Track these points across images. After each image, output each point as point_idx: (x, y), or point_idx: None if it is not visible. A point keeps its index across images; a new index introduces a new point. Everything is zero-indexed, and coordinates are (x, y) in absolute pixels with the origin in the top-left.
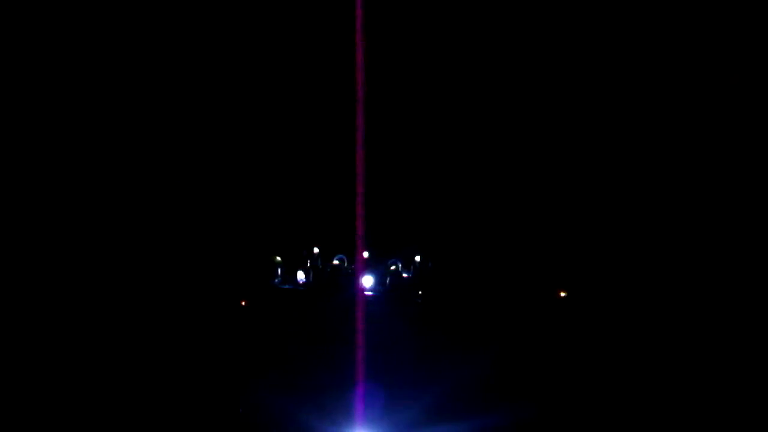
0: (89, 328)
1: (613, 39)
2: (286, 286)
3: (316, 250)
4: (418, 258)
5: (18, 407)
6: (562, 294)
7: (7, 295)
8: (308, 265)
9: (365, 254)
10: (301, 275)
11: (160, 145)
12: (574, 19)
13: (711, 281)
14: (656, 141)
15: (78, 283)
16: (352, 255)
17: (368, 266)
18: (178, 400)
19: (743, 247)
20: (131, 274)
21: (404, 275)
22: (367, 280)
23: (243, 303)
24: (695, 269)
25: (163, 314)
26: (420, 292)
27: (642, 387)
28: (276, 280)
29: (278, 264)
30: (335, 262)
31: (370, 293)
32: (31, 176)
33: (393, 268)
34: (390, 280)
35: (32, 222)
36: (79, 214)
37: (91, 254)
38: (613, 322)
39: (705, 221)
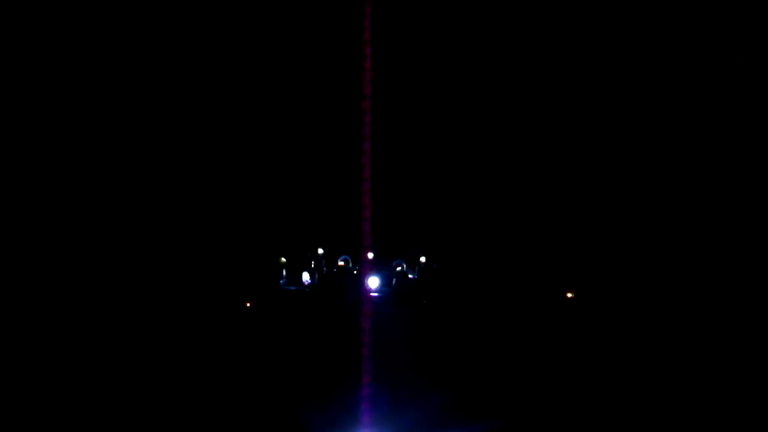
0: (93, 331)
1: (618, 40)
2: (291, 287)
3: (320, 251)
4: (423, 259)
5: (18, 407)
6: (569, 295)
7: (9, 297)
8: (313, 266)
9: (370, 255)
10: (306, 276)
11: (163, 146)
12: (579, 21)
13: (720, 282)
14: (664, 141)
15: (81, 286)
16: (357, 256)
17: (373, 267)
18: (182, 401)
19: (751, 247)
20: (135, 276)
21: (409, 276)
22: (373, 281)
23: (248, 304)
24: (704, 270)
25: (167, 315)
26: (425, 293)
27: (650, 389)
28: (281, 281)
29: (283, 265)
30: (340, 263)
31: (375, 294)
32: (34, 177)
33: (398, 269)
34: (395, 281)
35: (35, 224)
36: (81, 217)
37: (95, 256)
38: (622, 323)
39: (713, 222)
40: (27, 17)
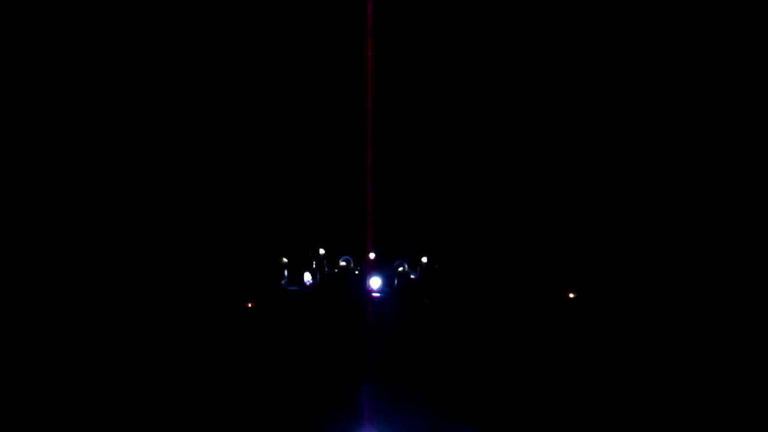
0: (94, 332)
1: (619, 40)
2: (293, 288)
3: (321, 251)
4: (424, 259)
5: (18, 407)
6: (571, 295)
7: (9, 297)
8: (314, 266)
9: (371, 255)
10: (307, 276)
11: (164, 146)
12: (581, 20)
13: (722, 281)
14: (664, 141)
15: (82, 287)
16: (359, 256)
17: (375, 267)
18: (184, 401)
19: (752, 247)
20: (136, 276)
21: (412, 276)
22: (374, 282)
23: (249, 305)
24: (707, 270)
25: (168, 316)
26: (427, 294)
27: (652, 390)
28: (282, 282)
29: (285, 265)
30: (342, 263)
31: (377, 294)
32: (34, 177)
33: (400, 269)
34: (397, 282)
35: (35, 224)
36: (82, 218)
37: (96, 257)
38: (624, 323)
39: (716, 221)
40: (27, 17)
